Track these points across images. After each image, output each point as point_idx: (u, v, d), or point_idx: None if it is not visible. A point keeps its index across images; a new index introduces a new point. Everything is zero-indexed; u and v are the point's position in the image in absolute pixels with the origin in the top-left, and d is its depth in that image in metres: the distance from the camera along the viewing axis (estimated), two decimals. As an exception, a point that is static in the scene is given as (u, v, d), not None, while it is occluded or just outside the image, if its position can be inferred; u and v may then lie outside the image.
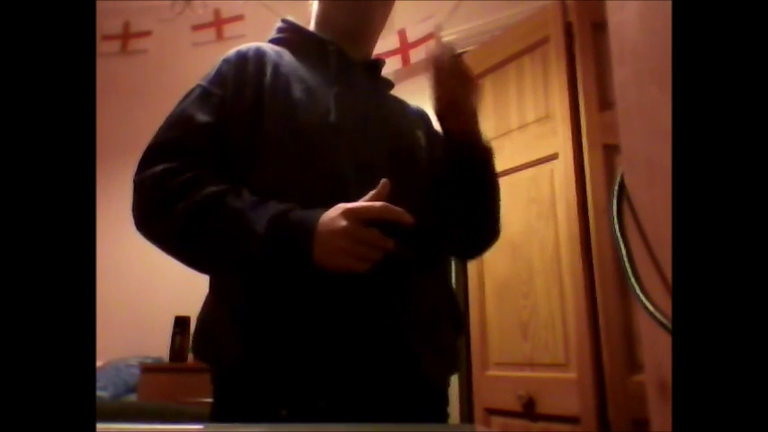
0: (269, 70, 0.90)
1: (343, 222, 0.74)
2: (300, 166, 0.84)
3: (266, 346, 0.78)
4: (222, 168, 0.85)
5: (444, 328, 0.89)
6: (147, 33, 3.32)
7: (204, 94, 0.88)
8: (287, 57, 0.95)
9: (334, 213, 0.76)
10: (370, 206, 0.74)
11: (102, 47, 3.26)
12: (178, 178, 0.80)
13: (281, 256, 0.76)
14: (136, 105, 3.04)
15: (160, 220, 0.81)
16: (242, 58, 0.91)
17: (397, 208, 0.74)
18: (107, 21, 3.30)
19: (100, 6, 2.93)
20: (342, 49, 0.98)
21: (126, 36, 3.32)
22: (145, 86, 3.13)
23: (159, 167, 0.81)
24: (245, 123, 0.86)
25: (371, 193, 0.77)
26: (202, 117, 0.85)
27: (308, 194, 0.81)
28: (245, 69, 0.90)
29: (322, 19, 1.03)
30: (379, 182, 0.84)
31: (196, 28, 3.23)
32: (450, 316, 0.91)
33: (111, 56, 3.26)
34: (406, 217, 0.74)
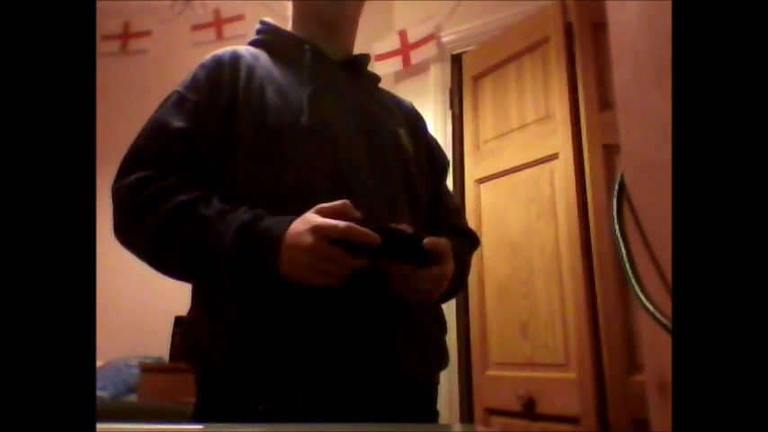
0: (243, 73, 0.90)
1: (310, 239, 0.74)
2: (272, 169, 0.84)
3: (245, 344, 0.79)
4: (197, 173, 0.85)
5: (424, 324, 0.89)
6: (147, 33, 3.33)
7: (179, 100, 0.89)
8: (263, 59, 0.95)
9: (302, 227, 0.75)
10: (336, 225, 0.74)
11: (102, 47, 3.26)
12: (150, 187, 0.81)
13: (248, 268, 0.77)
14: (136, 105, 3.02)
15: (133, 228, 0.82)
16: (217, 62, 0.92)
17: (363, 229, 0.74)
18: (107, 21, 3.30)
19: (100, 6, 2.93)
20: (318, 48, 0.98)
21: (126, 36, 3.33)
22: (145, 86, 3.12)
23: (134, 176, 0.83)
24: (219, 127, 0.87)
25: (336, 203, 0.77)
26: (177, 123, 0.86)
27: (279, 198, 0.82)
28: (220, 73, 0.91)
29: (297, 15, 1.03)
30: (353, 183, 0.85)
31: (196, 28, 3.23)
32: (431, 313, 0.91)
33: (111, 56, 3.26)
34: (371, 237, 0.74)
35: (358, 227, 0.74)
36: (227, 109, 0.88)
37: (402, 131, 0.99)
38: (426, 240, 0.79)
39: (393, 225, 0.79)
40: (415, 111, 1.11)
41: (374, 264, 0.78)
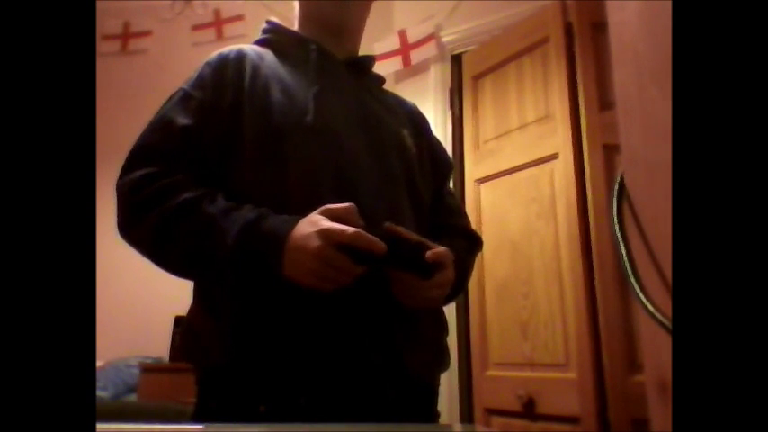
0: (248, 72, 0.90)
1: (317, 242, 0.73)
2: (275, 168, 0.84)
3: (246, 343, 0.79)
4: (202, 171, 0.85)
5: (426, 324, 0.89)
6: (147, 33, 3.33)
7: (184, 98, 0.89)
8: (268, 58, 0.95)
9: (308, 229, 0.75)
10: (344, 231, 0.73)
11: (102, 47, 3.26)
12: (155, 184, 0.81)
13: (251, 268, 0.77)
14: (136, 105, 3.02)
15: (137, 225, 0.82)
16: (222, 60, 0.92)
17: (371, 237, 0.74)
18: (107, 21, 3.30)
19: (100, 6, 2.93)
20: (323, 48, 0.98)
21: (126, 36, 3.33)
22: (145, 86, 3.13)
23: (138, 173, 0.82)
24: (224, 125, 0.87)
25: (342, 206, 0.77)
26: (182, 120, 0.86)
27: (282, 197, 0.82)
28: (225, 72, 0.90)
29: (303, 16, 1.03)
30: (356, 183, 0.85)
31: (196, 28, 3.23)
32: (432, 313, 0.91)
33: (111, 56, 3.26)
34: (379, 245, 0.73)
35: (366, 234, 0.73)
36: (232, 107, 0.87)
37: (405, 132, 0.99)
38: (429, 253, 0.78)
39: (396, 228, 0.78)
40: (419, 112, 1.11)
41: (378, 272, 0.78)
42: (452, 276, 0.85)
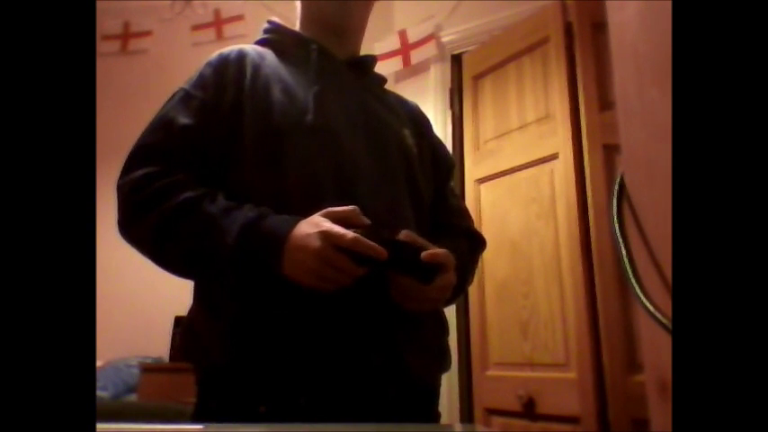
0: (249, 72, 0.90)
1: (317, 243, 0.73)
2: (275, 168, 0.84)
3: (247, 343, 0.79)
4: (203, 171, 0.85)
5: (427, 325, 0.89)
6: (147, 33, 3.33)
7: (185, 97, 0.89)
8: (269, 58, 0.95)
9: (310, 230, 0.75)
10: (344, 235, 0.74)
11: (102, 47, 3.27)
12: (155, 184, 0.81)
13: (251, 267, 0.77)
14: (136, 105, 3.03)
15: (137, 224, 0.82)
16: (223, 60, 0.92)
17: (370, 243, 0.74)
18: (107, 21, 3.30)
19: (100, 6, 2.93)
20: (324, 48, 0.98)
21: (126, 36, 3.33)
22: (145, 86, 3.13)
23: (139, 172, 0.82)
24: (225, 125, 0.87)
25: (345, 209, 0.77)
26: (183, 120, 0.86)
27: (282, 197, 0.82)
28: (226, 71, 0.90)
29: (305, 17, 1.04)
30: (357, 182, 0.85)
31: (196, 28, 3.23)
32: (433, 314, 0.91)
33: (111, 56, 3.26)
34: (378, 252, 0.74)
35: (365, 240, 0.74)
36: (233, 107, 0.88)
37: (407, 132, 0.99)
38: (424, 254, 0.78)
39: (401, 238, 0.78)
40: (421, 112, 1.11)
41: (378, 272, 0.78)
42: (453, 279, 0.84)
